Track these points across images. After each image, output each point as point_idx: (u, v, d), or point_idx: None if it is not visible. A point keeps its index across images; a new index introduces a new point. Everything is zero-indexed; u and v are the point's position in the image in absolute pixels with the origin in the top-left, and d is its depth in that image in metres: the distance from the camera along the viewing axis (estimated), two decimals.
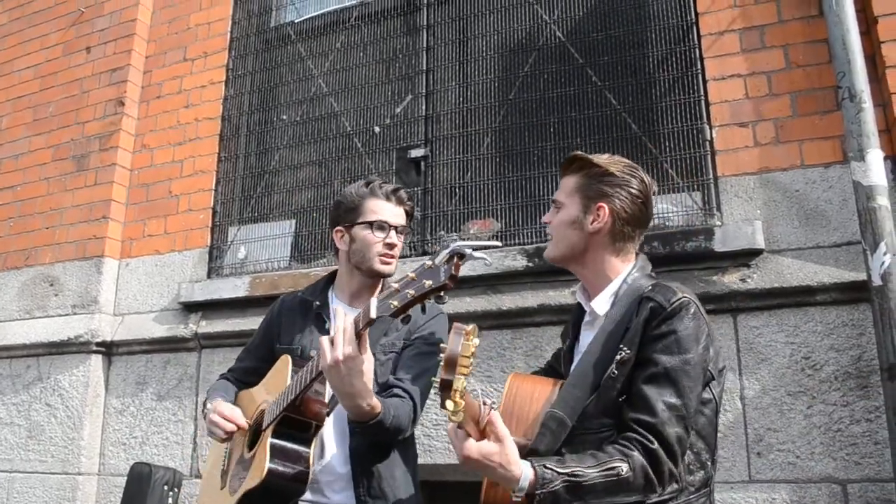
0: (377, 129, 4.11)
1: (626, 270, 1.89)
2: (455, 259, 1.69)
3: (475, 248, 1.70)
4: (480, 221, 3.71)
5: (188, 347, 4.05)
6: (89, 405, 4.11)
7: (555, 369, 2.14)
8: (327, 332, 2.25)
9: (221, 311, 4.03)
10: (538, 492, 1.54)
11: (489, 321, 3.35)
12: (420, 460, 3.23)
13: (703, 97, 3.33)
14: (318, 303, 2.40)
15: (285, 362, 2.20)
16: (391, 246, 2.32)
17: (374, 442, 2.17)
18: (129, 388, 4.15)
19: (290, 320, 2.44)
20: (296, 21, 4.61)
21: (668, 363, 1.67)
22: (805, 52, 3.16)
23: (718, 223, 3.12)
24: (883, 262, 2.63)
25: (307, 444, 2.11)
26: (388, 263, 2.32)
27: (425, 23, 4.14)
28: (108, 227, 4.44)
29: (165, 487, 3.51)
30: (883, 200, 2.69)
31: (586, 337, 1.92)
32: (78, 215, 4.55)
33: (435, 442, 3.33)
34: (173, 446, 3.93)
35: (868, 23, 3.02)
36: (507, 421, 1.69)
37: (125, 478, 3.60)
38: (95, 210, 4.50)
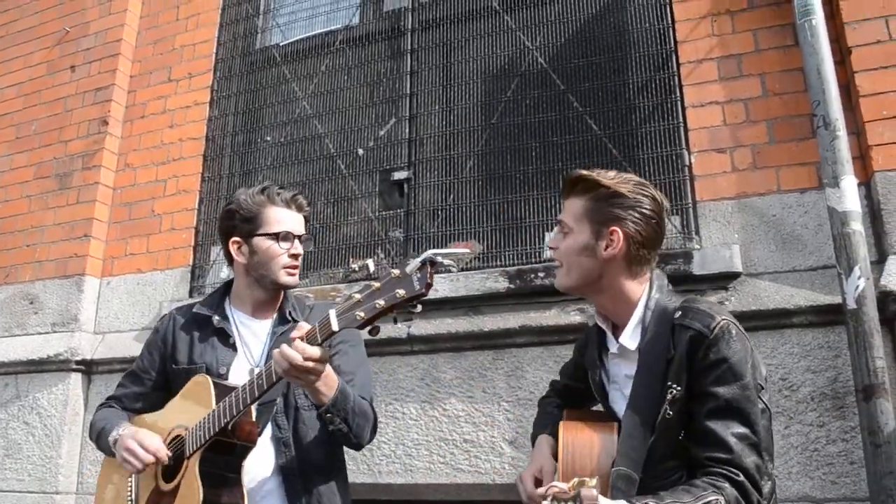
0: (361, 151, 4.15)
1: (644, 294, 1.79)
2: (429, 267, 1.63)
3: (445, 256, 1.68)
4: (463, 243, 3.74)
5: None
6: (68, 424, 4.07)
7: (573, 389, 2.06)
8: (233, 347, 2.20)
9: None
10: None
11: (470, 342, 3.37)
12: (401, 480, 3.27)
13: (682, 123, 3.40)
14: (217, 317, 2.26)
15: (205, 382, 2.06)
16: (296, 256, 2.23)
17: (307, 456, 2.11)
18: None
19: (185, 337, 2.29)
20: (281, 44, 4.65)
21: (727, 394, 1.60)
22: (781, 80, 3.24)
23: (697, 247, 3.18)
24: (857, 286, 2.68)
25: (237, 470, 2.00)
26: (292, 275, 2.23)
27: (409, 47, 4.20)
28: (90, 246, 4.42)
29: None
30: (857, 226, 2.75)
31: (617, 368, 1.84)
32: (59, 233, 4.53)
33: (416, 462, 3.33)
34: None
35: (842, 53, 3.10)
36: (570, 479, 1.65)
37: None
38: (77, 228, 4.49)
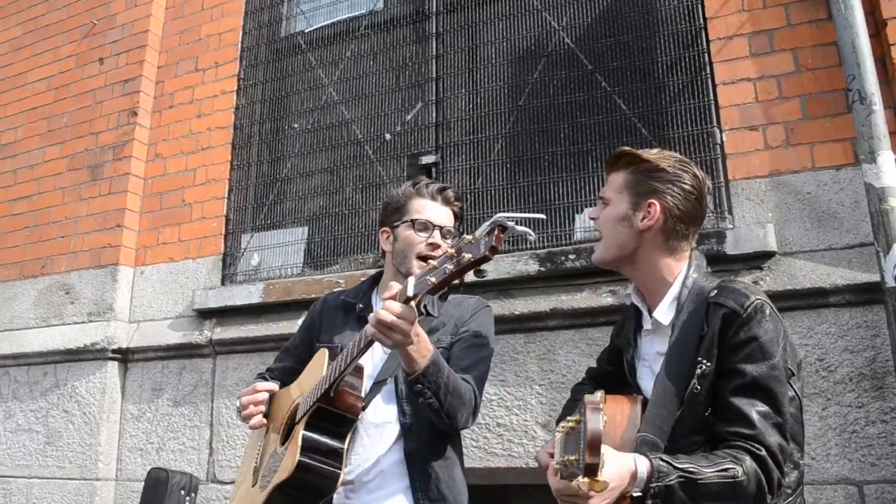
0: (388, 136, 4.14)
1: (682, 271, 1.81)
2: (496, 231, 1.60)
3: (518, 221, 1.60)
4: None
5: (203, 354, 4.08)
6: (106, 411, 4.14)
7: (609, 374, 2.06)
8: None
9: (235, 318, 4.06)
10: (653, 484, 1.48)
11: (502, 326, 3.33)
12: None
13: (712, 101, 3.35)
14: (361, 305, 2.34)
15: (322, 355, 2.16)
16: (434, 246, 2.23)
17: (431, 443, 2.13)
18: (146, 395, 4.18)
19: (331, 319, 2.39)
20: (306, 31, 4.65)
21: (754, 372, 1.60)
22: (814, 55, 3.17)
23: (730, 226, 3.14)
24: None
25: (341, 439, 2.05)
26: None
27: (435, 31, 4.17)
28: (123, 236, 4.48)
29: (182, 492, 3.54)
30: (895, 202, 2.70)
31: (649, 345, 1.85)
32: (93, 224, 4.59)
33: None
34: (189, 451, 3.96)
35: (878, 25, 3.03)
36: None
37: (142, 483, 3.64)
38: (110, 219, 4.54)
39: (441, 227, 2.28)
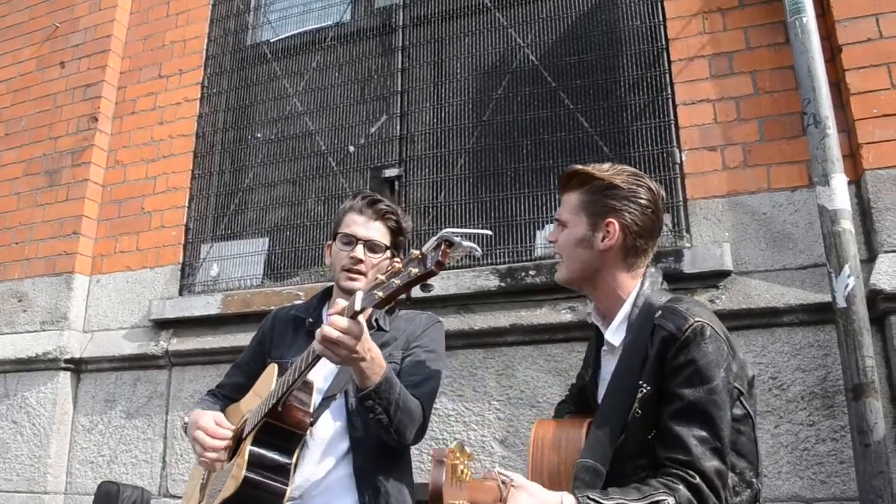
0: (352, 148, 4.13)
1: (636, 289, 1.79)
2: (443, 246, 1.61)
3: (465, 237, 1.62)
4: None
5: (158, 365, 4.01)
6: (57, 423, 4.05)
7: (583, 390, 2.05)
8: None
9: (193, 329, 4.00)
10: None
11: (461, 340, 3.36)
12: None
13: (673, 121, 3.39)
14: (311, 319, 2.33)
15: (272, 370, 2.15)
16: (356, 260, 2.24)
17: (381, 458, 2.13)
18: (98, 406, 4.10)
19: (282, 334, 2.39)
20: (272, 40, 4.62)
21: (692, 396, 1.58)
22: (772, 78, 3.23)
23: (688, 245, 3.17)
24: (847, 285, 2.68)
25: (289, 454, 2.04)
26: (353, 279, 2.24)
27: (401, 44, 4.18)
28: (79, 243, 4.40)
29: None
30: (847, 224, 2.75)
31: (607, 365, 1.84)
32: (48, 231, 4.51)
33: None
34: (142, 465, 3.88)
35: (833, 51, 3.10)
36: (538, 476, 1.66)
37: (92, 497, 3.57)
38: (66, 226, 4.46)
39: (366, 241, 2.27)
